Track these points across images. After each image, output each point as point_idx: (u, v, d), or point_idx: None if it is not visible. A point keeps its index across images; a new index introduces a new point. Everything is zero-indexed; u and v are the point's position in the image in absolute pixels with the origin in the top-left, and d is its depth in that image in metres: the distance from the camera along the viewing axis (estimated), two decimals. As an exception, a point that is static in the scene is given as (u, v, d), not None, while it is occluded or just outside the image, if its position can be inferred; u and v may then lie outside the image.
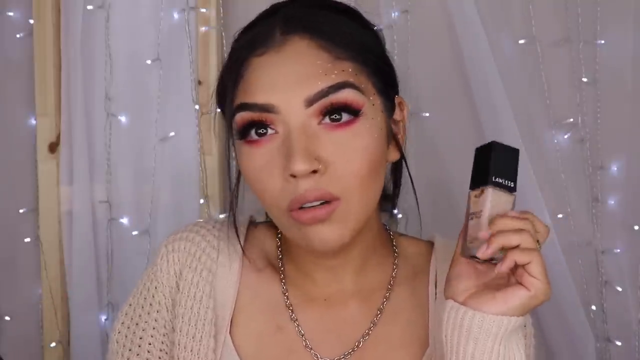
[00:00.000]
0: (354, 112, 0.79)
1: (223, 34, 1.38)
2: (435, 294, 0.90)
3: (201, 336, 0.88)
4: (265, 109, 0.79)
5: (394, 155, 0.88)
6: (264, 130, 0.80)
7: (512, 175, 0.79)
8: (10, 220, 1.44)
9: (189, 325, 0.89)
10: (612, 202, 1.34)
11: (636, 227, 1.33)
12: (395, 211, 0.96)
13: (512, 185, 0.78)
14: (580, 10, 1.32)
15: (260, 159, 0.80)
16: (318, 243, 0.80)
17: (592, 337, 1.32)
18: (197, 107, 1.38)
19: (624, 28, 1.32)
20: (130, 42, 1.40)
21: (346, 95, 0.79)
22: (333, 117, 0.79)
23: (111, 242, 1.41)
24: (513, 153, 0.79)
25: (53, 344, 1.41)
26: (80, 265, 1.39)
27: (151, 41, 1.39)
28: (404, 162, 0.92)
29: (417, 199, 0.92)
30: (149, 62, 1.39)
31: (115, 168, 1.41)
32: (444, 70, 1.36)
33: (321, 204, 0.78)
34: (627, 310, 1.34)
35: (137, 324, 0.91)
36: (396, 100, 0.88)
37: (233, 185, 0.92)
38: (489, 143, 0.79)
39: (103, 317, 1.41)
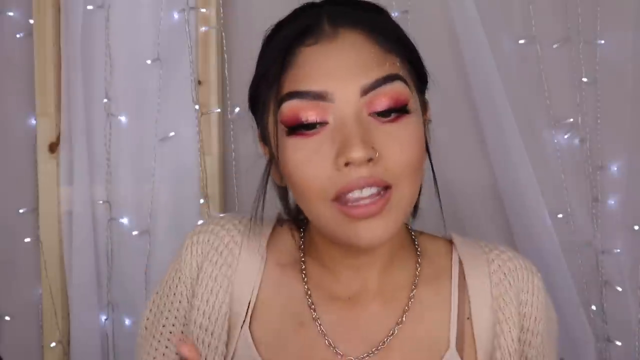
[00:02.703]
0: (402, 108, 0.80)
1: (223, 34, 1.38)
2: (458, 294, 0.90)
3: (213, 329, 0.88)
4: (320, 96, 0.78)
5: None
6: (313, 128, 0.79)
7: None
8: (10, 220, 1.44)
9: (203, 317, 0.89)
10: (612, 202, 1.34)
11: (636, 227, 1.33)
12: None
13: None
14: (580, 10, 1.32)
15: (307, 149, 0.78)
16: (366, 240, 0.78)
17: (592, 337, 1.32)
18: (197, 107, 1.38)
19: (624, 28, 1.32)
20: (130, 42, 1.40)
21: (397, 88, 0.79)
22: (381, 112, 0.79)
23: (111, 242, 1.41)
24: None
25: (53, 344, 1.41)
26: (80, 265, 1.39)
27: (151, 41, 1.39)
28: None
29: (440, 199, 0.92)
30: (149, 62, 1.39)
31: (115, 168, 1.41)
32: (444, 70, 1.36)
33: (371, 197, 0.77)
34: (627, 310, 1.34)
35: (161, 312, 0.93)
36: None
37: (260, 185, 0.89)
38: None
39: (103, 317, 1.41)
